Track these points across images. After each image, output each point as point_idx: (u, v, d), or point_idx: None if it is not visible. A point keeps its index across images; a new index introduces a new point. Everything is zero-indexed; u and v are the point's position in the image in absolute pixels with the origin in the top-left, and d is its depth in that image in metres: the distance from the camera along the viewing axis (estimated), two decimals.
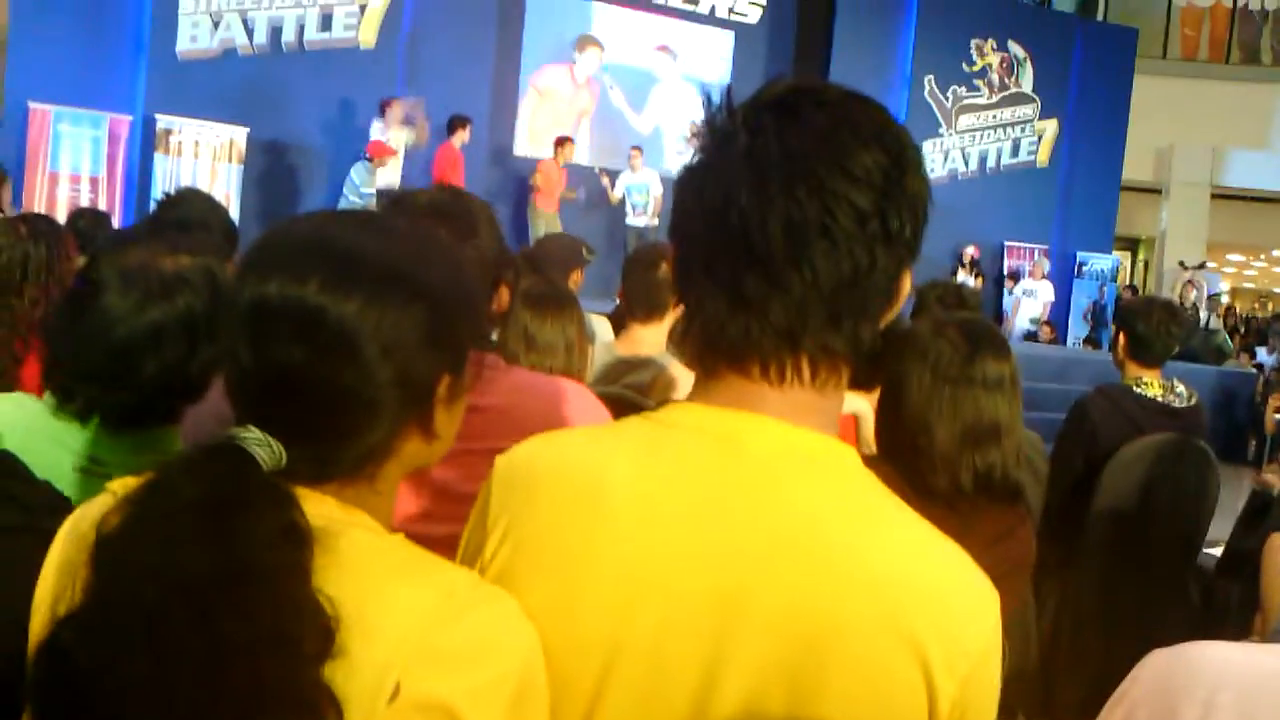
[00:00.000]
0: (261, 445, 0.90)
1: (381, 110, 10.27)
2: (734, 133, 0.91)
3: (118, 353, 1.43)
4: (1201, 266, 16.24)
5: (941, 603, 0.90)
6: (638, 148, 12.18)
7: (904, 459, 1.88)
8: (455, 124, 10.67)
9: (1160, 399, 3.57)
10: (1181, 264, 16.27)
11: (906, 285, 0.97)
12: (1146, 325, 3.52)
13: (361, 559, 0.90)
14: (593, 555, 0.92)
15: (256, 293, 0.91)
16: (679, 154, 1.00)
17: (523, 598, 0.93)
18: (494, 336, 1.91)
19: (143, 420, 1.48)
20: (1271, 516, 3.37)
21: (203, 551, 0.84)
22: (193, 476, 0.88)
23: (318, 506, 0.92)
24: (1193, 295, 15.59)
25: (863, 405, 2.75)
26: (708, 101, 0.96)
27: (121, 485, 0.92)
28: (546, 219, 11.16)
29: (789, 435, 0.92)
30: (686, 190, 0.94)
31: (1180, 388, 3.64)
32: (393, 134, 10.17)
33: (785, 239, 0.87)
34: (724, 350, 0.93)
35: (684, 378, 2.69)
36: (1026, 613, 3.64)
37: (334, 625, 0.84)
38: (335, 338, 0.91)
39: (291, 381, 0.92)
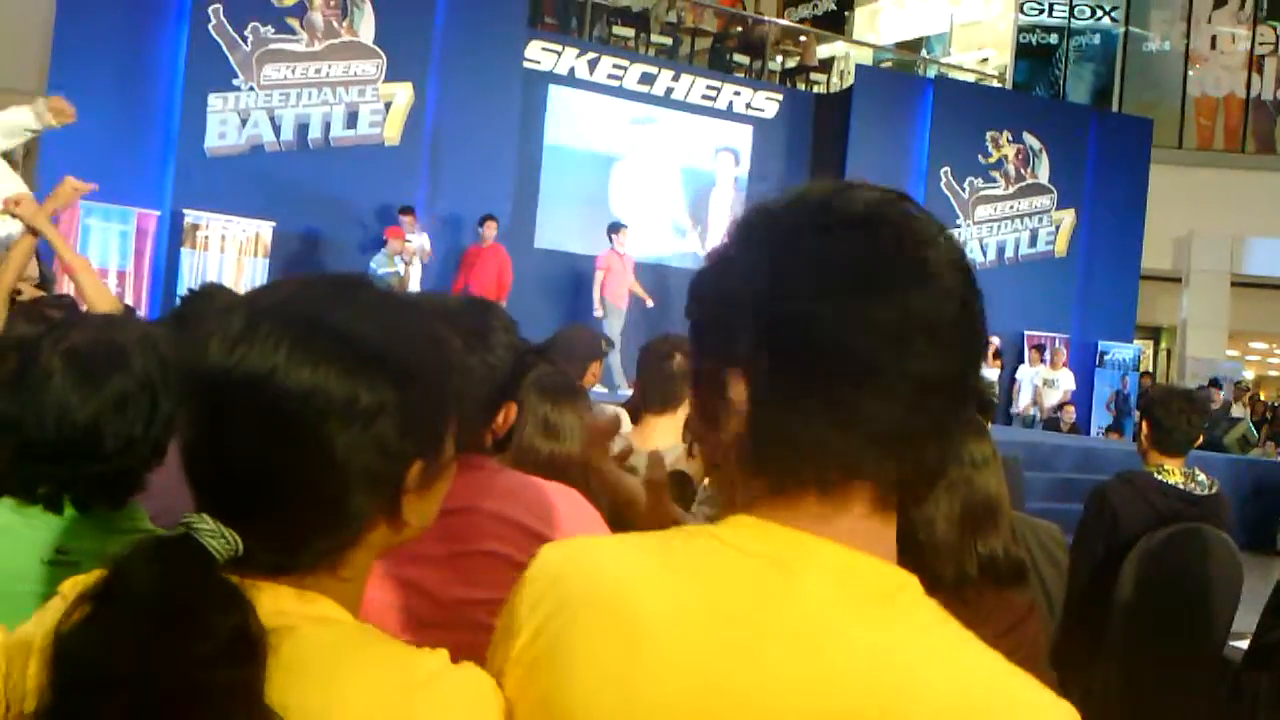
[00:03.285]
0: (215, 536, 0.86)
1: (384, 240, 10.64)
2: (795, 232, 0.87)
3: (81, 428, 1.44)
4: (1216, 384, 16.04)
5: None
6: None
7: (905, 554, 1.86)
8: (482, 221, 10.97)
9: (1181, 486, 3.55)
10: (1212, 383, 16.07)
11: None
12: (1167, 414, 3.52)
13: (316, 656, 0.86)
14: (632, 689, 0.85)
15: (213, 364, 0.87)
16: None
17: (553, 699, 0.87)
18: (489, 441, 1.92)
19: (112, 493, 1.48)
20: None
21: (154, 663, 0.81)
22: (145, 574, 0.84)
23: (274, 601, 0.88)
24: (1219, 398, 15.43)
25: None
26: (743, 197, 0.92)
27: (71, 586, 0.90)
28: (617, 314, 11.31)
29: (852, 562, 0.85)
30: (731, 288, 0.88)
31: (1201, 476, 3.62)
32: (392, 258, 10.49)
33: (887, 348, 0.82)
34: (798, 467, 0.85)
35: None
36: None
37: None
38: (294, 421, 0.87)
39: (248, 469, 0.88)
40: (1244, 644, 3.71)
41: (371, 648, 0.90)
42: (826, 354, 0.82)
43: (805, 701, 0.81)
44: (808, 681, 0.81)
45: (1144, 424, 3.65)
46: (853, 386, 0.82)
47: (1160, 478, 3.54)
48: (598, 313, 11.34)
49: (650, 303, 11.58)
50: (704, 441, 0.93)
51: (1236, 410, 15.45)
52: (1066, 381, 14.53)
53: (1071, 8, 19.63)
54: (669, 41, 15.17)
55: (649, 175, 14.01)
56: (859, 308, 0.82)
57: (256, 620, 0.84)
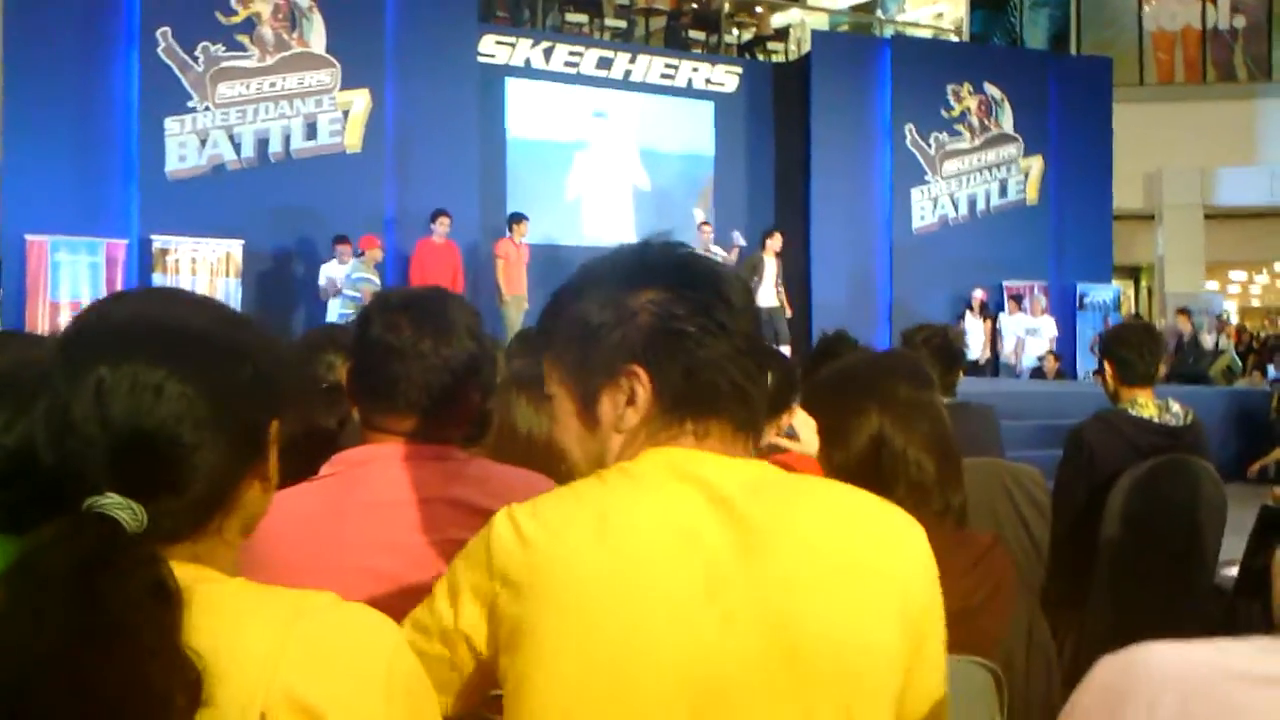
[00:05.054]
0: (123, 508, 0.93)
1: (334, 249, 10.60)
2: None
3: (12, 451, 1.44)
4: (1185, 312, 16.08)
5: (893, 551, 1.18)
6: None
7: (898, 494, 1.89)
8: (434, 217, 10.88)
9: (1156, 419, 3.56)
10: (1180, 311, 16.13)
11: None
12: (1126, 348, 3.54)
13: (213, 608, 0.93)
14: (620, 568, 1.11)
15: (101, 374, 0.94)
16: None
17: (556, 610, 1.09)
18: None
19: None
20: None
21: (71, 617, 0.86)
22: (60, 548, 0.89)
23: (175, 566, 0.94)
24: (1189, 325, 15.43)
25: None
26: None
27: None
28: (514, 301, 11.19)
29: (722, 462, 1.19)
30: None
31: (1175, 407, 3.63)
32: (343, 266, 10.45)
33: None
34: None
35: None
36: (1049, 649, 3.60)
37: (201, 677, 0.87)
38: (174, 403, 0.95)
39: (139, 446, 0.94)
40: (1233, 571, 3.74)
41: (266, 594, 0.99)
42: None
43: (748, 562, 1.12)
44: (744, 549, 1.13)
45: (1106, 363, 3.66)
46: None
47: (1134, 412, 3.55)
48: (503, 304, 11.27)
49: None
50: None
51: (1221, 342, 15.49)
52: (1049, 329, 14.57)
53: None
54: (624, 24, 15.12)
55: (611, 161, 13.99)
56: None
57: (171, 575, 0.91)
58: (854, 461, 1.94)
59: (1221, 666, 0.84)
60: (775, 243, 12.36)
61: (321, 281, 10.58)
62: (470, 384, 1.77)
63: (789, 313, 12.27)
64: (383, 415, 1.75)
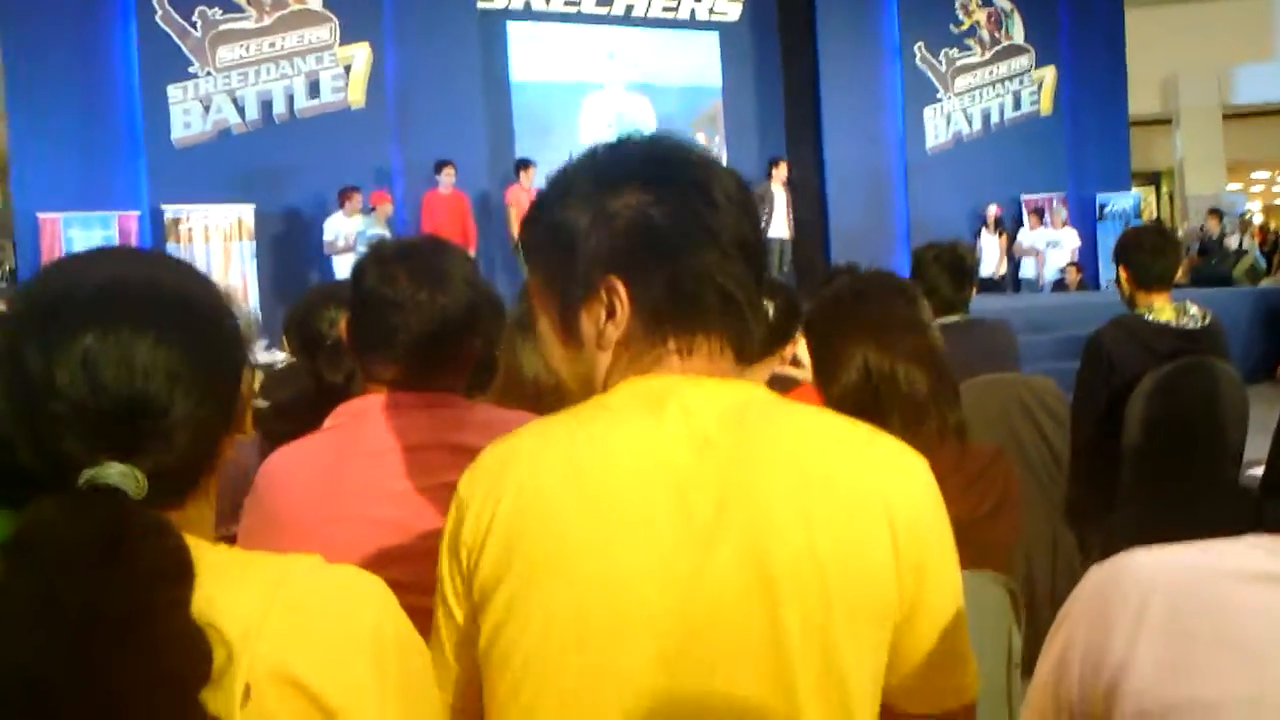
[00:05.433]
0: (126, 477, 0.90)
1: (341, 201, 10.51)
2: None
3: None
4: (1216, 213, 15.90)
5: (880, 475, 1.10)
6: None
7: (896, 414, 1.89)
8: (438, 168, 10.83)
9: (1174, 323, 3.52)
10: (1211, 212, 15.94)
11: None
12: (1140, 252, 3.50)
13: (201, 578, 0.89)
14: (590, 507, 1.05)
15: (87, 342, 0.91)
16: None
17: (527, 550, 1.04)
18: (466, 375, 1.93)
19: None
20: None
21: (86, 600, 0.82)
22: (69, 521, 0.86)
23: None
24: (1217, 226, 15.28)
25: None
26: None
27: None
28: None
29: (703, 387, 1.12)
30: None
31: (1193, 309, 3.59)
32: (352, 220, 10.41)
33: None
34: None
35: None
36: (1074, 557, 3.60)
37: (211, 653, 0.85)
38: (163, 366, 0.93)
39: (132, 412, 0.92)
40: (1258, 471, 3.71)
41: (250, 561, 0.98)
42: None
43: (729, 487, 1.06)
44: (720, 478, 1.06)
45: (1121, 268, 3.62)
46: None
47: (1151, 317, 3.51)
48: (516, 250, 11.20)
49: None
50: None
51: (1244, 242, 15.32)
52: (1070, 240, 14.43)
53: None
54: None
55: (618, 100, 13.86)
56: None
57: (185, 545, 0.89)
58: (848, 391, 1.93)
59: (1210, 567, 0.83)
60: (781, 172, 12.28)
61: (328, 236, 10.52)
62: (469, 332, 1.77)
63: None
64: (382, 366, 1.75)
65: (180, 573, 0.87)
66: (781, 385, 2.89)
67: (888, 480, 1.09)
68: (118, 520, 0.87)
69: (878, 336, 1.93)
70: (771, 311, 2.68)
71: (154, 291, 0.97)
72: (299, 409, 2.40)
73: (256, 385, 4.40)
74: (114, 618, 0.83)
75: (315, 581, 0.96)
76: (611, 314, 1.11)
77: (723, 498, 1.04)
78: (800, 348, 2.72)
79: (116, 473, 0.89)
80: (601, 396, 1.12)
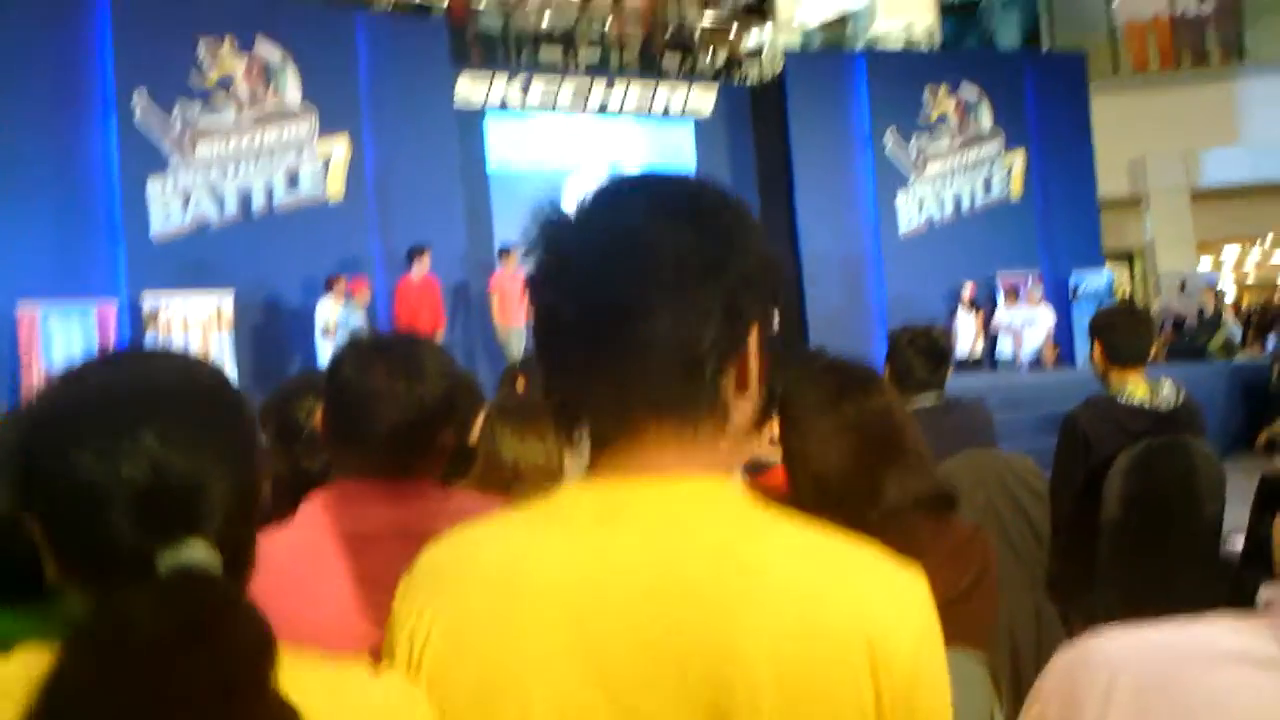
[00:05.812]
0: (210, 554, 0.91)
1: (328, 285, 10.62)
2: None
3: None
4: (1182, 287, 16.19)
5: (862, 603, 0.93)
6: None
7: (819, 504, 1.89)
8: (411, 255, 10.91)
9: (1148, 402, 3.55)
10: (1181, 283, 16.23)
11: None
12: (1112, 331, 3.56)
13: None
14: (520, 640, 0.95)
15: (135, 438, 0.92)
16: None
17: (454, 682, 0.96)
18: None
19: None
20: None
21: (187, 686, 0.82)
22: (161, 605, 0.86)
23: None
24: (1213, 301, 15.52)
25: None
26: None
27: (31, 649, 0.89)
28: (515, 334, 11.22)
29: (673, 489, 0.97)
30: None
31: (1166, 388, 3.63)
32: (337, 306, 10.53)
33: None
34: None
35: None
36: (1058, 630, 3.58)
37: None
38: (202, 459, 0.95)
39: (175, 501, 0.93)
40: (1237, 545, 3.72)
41: (298, 654, 0.95)
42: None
43: (665, 606, 0.92)
44: (661, 590, 0.92)
45: (1096, 345, 3.67)
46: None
47: (1125, 396, 3.55)
48: (500, 337, 11.34)
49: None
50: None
51: (1223, 316, 15.48)
52: (1046, 318, 14.56)
53: None
54: (597, 56, 15.21)
55: (588, 185, 13.99)
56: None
57: (264, 616, 0.89)
58: (814, 481, 1.94)
59: (1178, 648, 0.84)
60: None
61: (319, 323, 10.57)
62: (444, 422, 1.78)
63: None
64: (357, 456, 1.76)
65: (270, 648, 0.87)
66: (756, 468, 2.89)
67: (874, 610, 0.93)
68: (211, 600, 0.88)
69: (841, 426, 1.94)
70: None
71: (180, 389, 0.99)
72: (279, 497, 2.39)
73: None
74: (213, 701, 0.83)
75: (369, 691, 0.96)
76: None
77: (679, 628, 0.92)
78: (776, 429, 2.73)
79: (202, 552, 0.90)
80: (557, 496, 1.01)
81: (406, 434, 1.73)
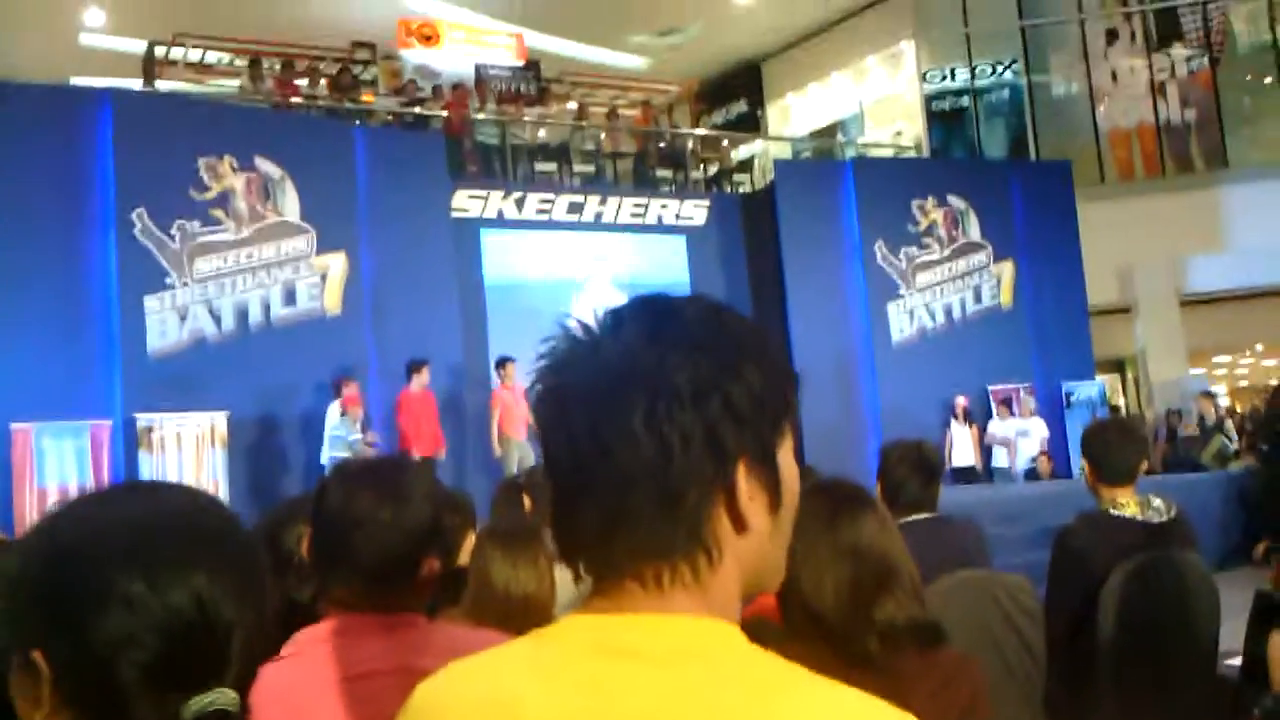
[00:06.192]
0: (235, 702, 0.94)
1: (337, 390, 10.70)
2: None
3: None
4: (1209, 395, 16.29)
5: None
6: None
7: (812, 634, 1.88)
8: (411, 369, 10.95)
9: (1139, 517, 3.55)
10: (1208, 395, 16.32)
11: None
12: (1102, 448, 3.56)
13: None
14: None
15: (195, 581, 0.95)
16: None
17: None
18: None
19: None
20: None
21: None
22: None
23: None
24: (1211, 409, 15.58)
25: None
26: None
27: None
28: (519, 446, 11.20)
29: (664, 628, 0.93)
30: None
31: (1157, 502, 3.63)
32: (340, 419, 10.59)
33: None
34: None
35: None
36: None
37: None
38: (221, 601, 0.97)
39: (196, 646, 0.95)
40: (1236, 661, 3.69)
41: None
42: None
43: None
44: None
45: (1085, 462, 3.68)
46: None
47: (1116, 512, 3.55)
48: (497, 451, 11.31)
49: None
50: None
51: (1222, 424, 15.46)
52: (1039, 429, 14.58)
53: (972, 69, 20.21)
54: (592, 169, 15.48)
55: (593, 300, 14.13)
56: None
57: None
58: (811, 615, 1.93)
59: None
60: None
61: (328, 432, 10.62)
62: (429, 550, 1.78)
63: None
64: (343, 586, 1.76)
65: None
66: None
67: None
68: None
69: (835, 554, 1.93)
70: None
71: (228, 526, 1.03)
72: (269, 628, 2.38)
73: None
74: None
75: None
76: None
77: None
78: None
79: (229, 699, 0.92)
80: (548, 632, 0.99)
81: (389, 564, 1.73)
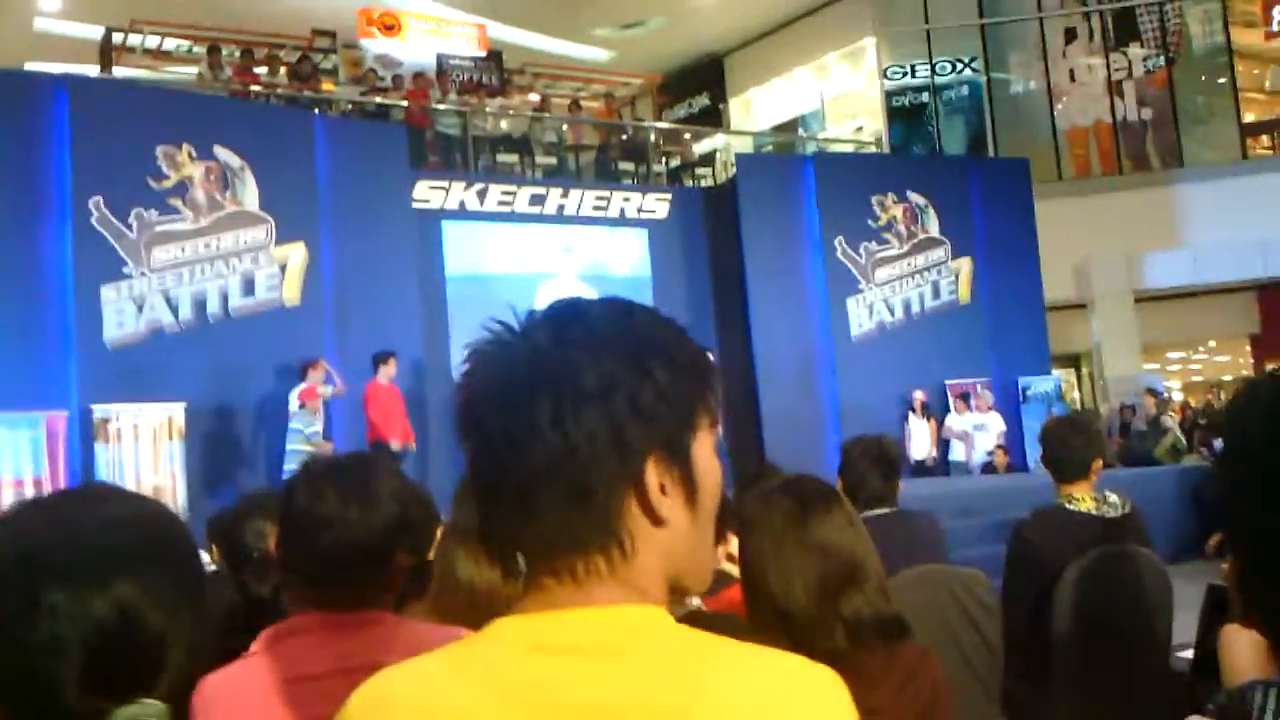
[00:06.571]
0: (163, 715, 0.95)
1: (303, 373, 10.61)
2: None
3: None
4: (1152, 393, 16.55)
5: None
6: None
7: (778, 629, 1.91)
8: (377, 361, 10.90)
9: (1094, 512, 3.61)
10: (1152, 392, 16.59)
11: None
12: (1054, 445, 3.62)
13: None
14: None
15: (107, 601, 0.95)
16: None
17: None
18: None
19: None
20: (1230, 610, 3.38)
21: None
22: None
23: None
24: (1154, 405, 15.84)
25: None
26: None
27: None
28: None
29: (592, 620, 0.95)
30: None
31: (1113, 497, 3.69)
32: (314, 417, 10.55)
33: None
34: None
35: None
36: None
37: None
38: (150, 609, 0.97)
39: (122, 655, 0.95)
40: (1187, 654, 3.76)
41: None
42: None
43: None
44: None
45: (1042, 461, 3.74)
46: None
47: (1071, 507, 3.60)
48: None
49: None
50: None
51: (1165, 421, 15.70)
52: (996, 424, 14.72)
53: (933, 66, 20.35)
54: (554, 161, 15.46)
55: (560, 292, 14.08)
56: None
57: None
58: (780, 613, 1.95)
59: None
60: None
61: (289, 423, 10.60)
62: (395, 547, 1.79)
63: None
64: (311, 584, 1.76)
65: None
66: (717, 582, 2.90)
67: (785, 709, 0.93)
68: None
69: (803, 553, 1.95)
70: None
71: (164, 535, 1.03)
72: (231, 624, 2.38)
73: None
74: None
75: None
76: None
77: None
78: (734, 545, 2.74)
79: (154, 710, 0.93)
80: (482, 633, 1.01)
81: (358, 562, 1.74)
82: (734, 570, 2.96)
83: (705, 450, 1.01)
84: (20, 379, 10.03)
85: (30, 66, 14.04)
